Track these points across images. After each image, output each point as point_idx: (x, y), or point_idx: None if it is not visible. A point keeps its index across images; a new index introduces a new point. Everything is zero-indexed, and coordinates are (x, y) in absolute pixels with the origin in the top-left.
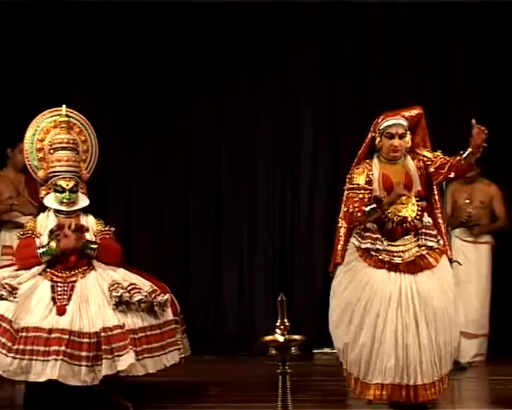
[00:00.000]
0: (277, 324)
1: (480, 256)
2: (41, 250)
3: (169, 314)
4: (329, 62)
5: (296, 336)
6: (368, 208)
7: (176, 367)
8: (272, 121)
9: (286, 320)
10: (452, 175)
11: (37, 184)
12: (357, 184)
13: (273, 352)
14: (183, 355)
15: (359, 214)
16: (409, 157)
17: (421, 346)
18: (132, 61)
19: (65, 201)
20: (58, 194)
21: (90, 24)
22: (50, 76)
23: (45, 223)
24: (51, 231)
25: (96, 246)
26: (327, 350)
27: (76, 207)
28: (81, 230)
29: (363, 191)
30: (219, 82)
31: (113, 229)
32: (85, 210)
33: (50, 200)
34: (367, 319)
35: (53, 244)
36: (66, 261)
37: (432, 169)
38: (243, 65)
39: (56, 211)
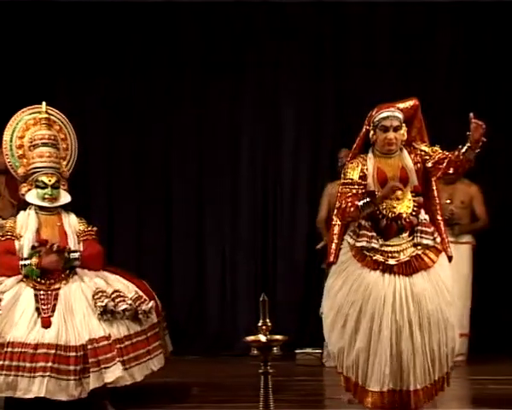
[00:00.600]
0: (259, 324)
1: (460, 256)
2: (22, 262)
3: (153, 318)
4: (311, 62)
5: (278, 337)
6: (361, 203)
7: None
8: (254, 121)
9: (268, 320)
10: (451, 171)
11: (18, 183)
12: (351, 179)
13: (255, 352)
14: (166, 355)
15: (352, 209)
16: (405, 151)
17: (415, 351)
18: (114, 60)
19: (47, 196)
20: (40, 190)
21: (73, 24)
22: (32, 77)
23: (26, 222)
24: (33, 247)
25: (78, 255)
26: (309, 350)
27: (58, 204)
28: (63, 251)
29: (356, 186)
30: (202, 81)
31: (95, 229)
32: (67, 208)
33: (32, 196)
34: (362, 324)
35: (34, 260)
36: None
37: (430, 164)
38: (226, 65)
39: (39, 208)
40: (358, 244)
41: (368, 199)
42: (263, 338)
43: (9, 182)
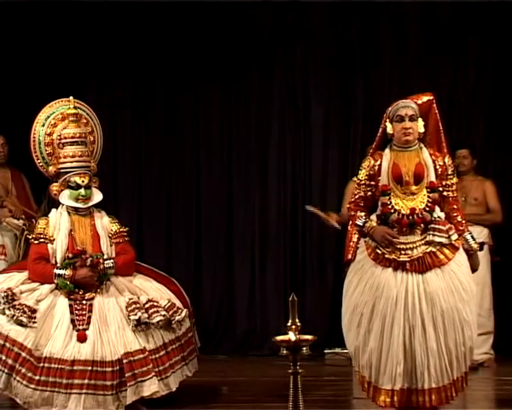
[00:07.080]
0: (289, 324)
1: None
2: (56, 271)
3: (187, 323)
4: (340, 61)
5: (307, 337)
6: (360, 223)
7: None
8: (283, 121)
9: (297, 320)
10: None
11: (24, 181)
12: (359, 179)
13: (284, 352)
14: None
15: (356, 221)
16: (424, 148)
17: (429, 350)
18: (143, 61)
19: (81, 197)
20: (73, 191)
21: (102, 24)
22: (61, 77)
23: (58, 223)
24: (68, 257)
25: (112, 264)
26: (338, 350)
27: (91, 203)
28: (97, 265)
29: (363, 187)
30: (230, 81)
31: (127, 229)
32: (98, 206)
33: (66, 197)
34: (374, 323)
35: (68, 273)
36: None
37: (443, 183)
38: (254, 64)
39: (71, 208)
40: (373, 243)
41: (361, 227)
42: (292, 338)
43: (16, 180)
